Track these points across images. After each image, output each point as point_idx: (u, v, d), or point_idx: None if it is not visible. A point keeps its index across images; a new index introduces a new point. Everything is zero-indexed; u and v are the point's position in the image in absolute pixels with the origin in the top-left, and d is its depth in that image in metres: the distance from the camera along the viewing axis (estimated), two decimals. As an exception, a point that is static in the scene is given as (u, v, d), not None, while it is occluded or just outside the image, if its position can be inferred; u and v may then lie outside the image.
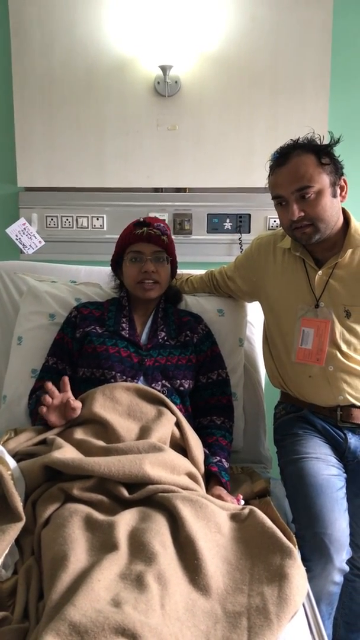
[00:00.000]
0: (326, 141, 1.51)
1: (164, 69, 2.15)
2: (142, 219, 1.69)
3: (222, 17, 2.19)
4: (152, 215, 2.23)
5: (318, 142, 1.51)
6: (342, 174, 1.52)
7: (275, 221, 2.29)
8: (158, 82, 2.22)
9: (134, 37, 2.20)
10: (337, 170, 1.50)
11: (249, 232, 2.32)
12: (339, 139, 1.51)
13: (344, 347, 1.56)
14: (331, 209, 1.49)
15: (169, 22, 2.15)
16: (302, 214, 1.48)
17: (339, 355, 1.55)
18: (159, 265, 1.66)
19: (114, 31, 2.21)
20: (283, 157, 1.50)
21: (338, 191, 1.51)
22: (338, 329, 1.55)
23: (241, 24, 2.19)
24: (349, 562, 1.41)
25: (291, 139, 1.53)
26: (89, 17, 2.20)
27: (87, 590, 0.96)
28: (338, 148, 1.51)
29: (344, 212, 1.58)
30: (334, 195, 1.50)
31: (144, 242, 1.65)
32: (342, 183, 1.52)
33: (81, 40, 2.22)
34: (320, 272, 1.57)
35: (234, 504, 1.36)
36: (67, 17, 2.21)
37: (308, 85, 2.23)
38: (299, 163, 1.46)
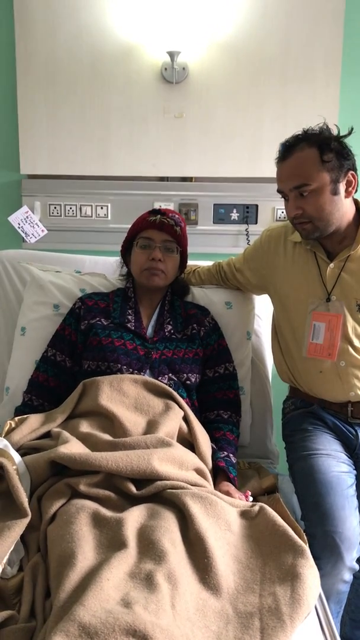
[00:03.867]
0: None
1: (172, 55, 2.11)
2: (158, 208, 1.66)
3: (232, 3, 2.14)
4: (157, 205, 2.19)
5: (331, 131, 1.46)
6: (349, 169, 1.46)
7: (282, 212, 2.25)
8: (165, 69, 2.17)
9: (141, 22, 2.14)
10: (341, 166, 1.45)
11: (256, 223, 2.28)
12: (350, 131, 1.46)
13: (356, 342, 1.53)
14: (330, 206, 1.45)
15: (178, 7, 2.09)
16: (300, 211, 1.46)
17: (350, 350, 1.53)
18: (167, 255, 1.63)
19: (120, 16, 2.15)
20: (286, 152, 1.47)
21: (342, 188, 1.46)
22: (350, 323, 1.52)
23: (252, 10, 2.14)
24: (357, 559, 1.39)
25: (303, 129, 1.49)
26: (94, 0, 2.15)
27: (96, 589, 0.94)
28: (348, 139, 1.47)
29: (357, 203, 1.54)
30: (335, 193, 1.45)
31: (156, 230, 1.62)
32: (350, 178, 1.47)
33: (86, 25, 2.17)
34: (332, 264, 1.54)
35: (242, 500, 1.34)
36: (71, 2, 2.15)
37: (318, 74, 2.18)
38: (299, 160, 1.44)
